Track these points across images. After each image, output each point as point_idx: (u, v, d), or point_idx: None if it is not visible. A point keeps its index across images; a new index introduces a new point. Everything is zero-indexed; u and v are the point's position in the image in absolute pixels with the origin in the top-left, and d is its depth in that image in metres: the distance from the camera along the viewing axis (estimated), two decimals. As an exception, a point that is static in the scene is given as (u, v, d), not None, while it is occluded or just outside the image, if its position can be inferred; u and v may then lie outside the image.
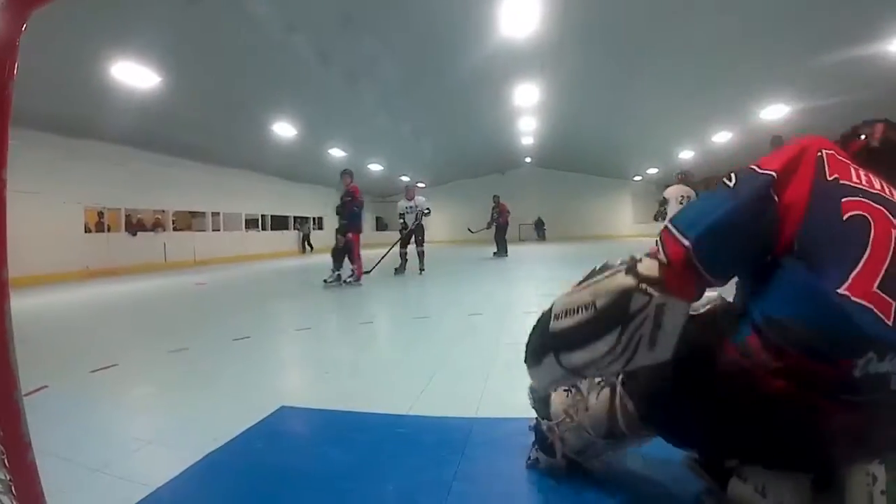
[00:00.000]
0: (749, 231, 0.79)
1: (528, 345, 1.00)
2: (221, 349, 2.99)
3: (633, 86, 9.42)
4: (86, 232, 9.94)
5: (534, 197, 22.73)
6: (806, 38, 6.48)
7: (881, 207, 0.75)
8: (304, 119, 10.62)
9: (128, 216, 11.11)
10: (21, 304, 4.59)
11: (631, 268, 0.85)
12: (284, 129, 10.93)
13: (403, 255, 7.42)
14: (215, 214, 13.59)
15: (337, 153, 14.06)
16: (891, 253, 0.71)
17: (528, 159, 20.68)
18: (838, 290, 0.70)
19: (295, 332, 3.57)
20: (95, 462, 1.43)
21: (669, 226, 0.84)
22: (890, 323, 0.68)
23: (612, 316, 0.82)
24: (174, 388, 2.26)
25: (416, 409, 1.80)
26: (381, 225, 24.17)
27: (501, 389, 1.99)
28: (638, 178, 21.61)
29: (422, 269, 7.37)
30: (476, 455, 1.38)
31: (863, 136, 0.93)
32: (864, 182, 0.79)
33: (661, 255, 0.83)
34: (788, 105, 9.20)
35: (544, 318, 0.96)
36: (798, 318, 0.73)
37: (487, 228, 11.50)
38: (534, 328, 1.00)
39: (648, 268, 0.83)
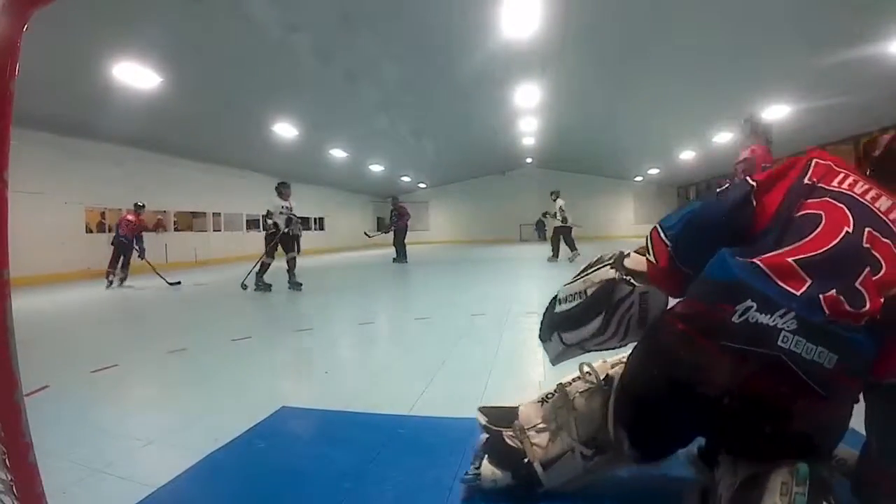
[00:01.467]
0: (719, 230, 0.87)
1: (541, 322, 1.13)
2: (221, 349, 2.99)
3: (634, 86, 9.40)
4: (87, 232, 9.96)
5: (535, 197, 22.61)
6: (806, 39, 6.46)
7: (842, 206, 0.80)
8: (305, 119, 10.61)
9: (129, 216, 11.12)
10: (22, 304, 4.58)
11: (617, 260, 1.02)
12: (285, 130, 10.93)
13: (266, 267, 6.06)
14: (216, 215, 13.59)
15: (338, 153, 14.04)
16: (834, 244, 0.75)
17: (529, 160, 20.66)
18: (748, 259, 0.76)
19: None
20: (96, 462, 1.43)
21: (658, 226, 0.94)
22: (798, 293, 0.71)
23: (599, 302, 0.99)
24: (175, 389, 2.27)
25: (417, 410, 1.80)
26: (380, 225, 24.16)
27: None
28: (639, 178, 21.56)
29: (296, 284, 5.99)
30: (477, 455, 1.37)
31: (874, 146, 0.98)
32: (844, 186, 0.83)
33: (651, 256, 0.94)
34: (789, 105, 9.17)
35: (553, 301, 1.09)
36: (705, 274, 0.81)
37: (385, 233, 10.95)
38: (546, 309, 1.13)
39: (635, 262, 1.00)
